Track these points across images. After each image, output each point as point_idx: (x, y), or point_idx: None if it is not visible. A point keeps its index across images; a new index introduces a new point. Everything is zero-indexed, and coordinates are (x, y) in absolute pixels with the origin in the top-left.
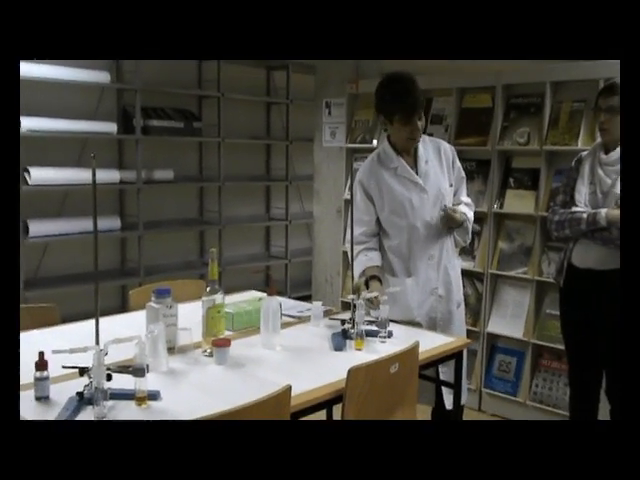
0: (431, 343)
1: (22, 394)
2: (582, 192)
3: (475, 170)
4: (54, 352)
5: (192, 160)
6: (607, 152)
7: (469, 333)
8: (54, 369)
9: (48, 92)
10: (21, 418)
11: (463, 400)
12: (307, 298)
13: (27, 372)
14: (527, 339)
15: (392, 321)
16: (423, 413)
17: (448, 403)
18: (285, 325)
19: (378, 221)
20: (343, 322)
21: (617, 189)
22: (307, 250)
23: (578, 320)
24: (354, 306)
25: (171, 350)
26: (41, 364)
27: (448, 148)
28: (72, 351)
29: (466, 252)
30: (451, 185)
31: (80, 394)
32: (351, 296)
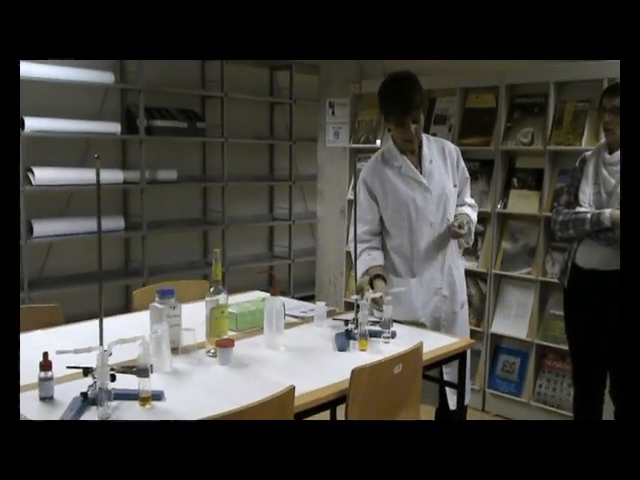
0: (435, 343)
1: (26, 394)
2: (586, 192)
3: (479, 170)
4: (58, 352)
5: (195, 160)
6: (611, 152)
7: (473, 333)
8: (58, 369)
9: (52, 92)
10: (25, 418)
11: (467, 400)
12: (310, 298)
13: (31, 372)
14: (531, 339)
15: (396, 321)
16: (427, 413)
17: (452, 403)
18: (289, 325)
19: (381, 220)
20: (347, 322)
21: None
22: (310, 250)
23: (582, 320)
24: (357, 306)
25: (175, 350)
26: (45, 364)
27: (453, 148)
28: (76, 351)
29: (470, 252)
30: (455, 185)
31: (84, 394)
32: (355, 296)
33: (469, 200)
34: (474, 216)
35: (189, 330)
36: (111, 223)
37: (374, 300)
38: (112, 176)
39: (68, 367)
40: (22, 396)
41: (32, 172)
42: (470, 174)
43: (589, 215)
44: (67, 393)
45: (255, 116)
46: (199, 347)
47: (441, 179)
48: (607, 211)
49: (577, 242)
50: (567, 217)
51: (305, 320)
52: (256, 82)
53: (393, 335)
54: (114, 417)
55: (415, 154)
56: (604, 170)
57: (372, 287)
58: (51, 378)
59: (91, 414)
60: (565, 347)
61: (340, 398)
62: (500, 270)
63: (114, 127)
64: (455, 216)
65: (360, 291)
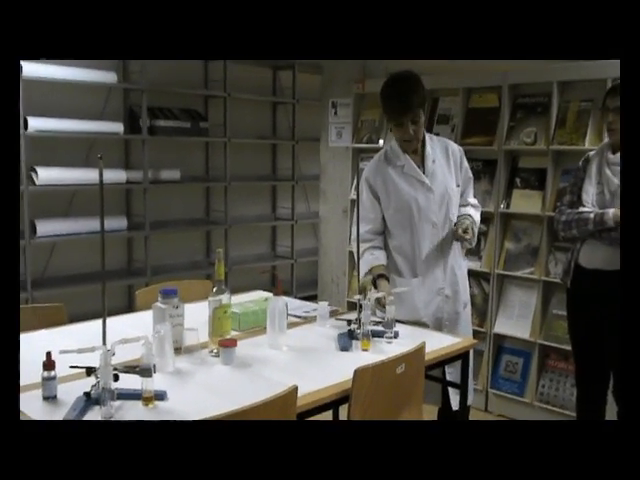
0: (437, 343)
1: (30, 394)
2: (589, 192)
3: (482, 170)
4: (61, 352)
5: (198, 160)
6: (614, 152)
7: (475, 333)
8: (61, 369)
9: (55, 92)
10: (28, 418)
11: (469, 400)
12: (313, 298)
13: (34, 372)
14: (534, 339)
15: (398, 321)
16: (429, 413)
17: (454, 403)
18: (291, 325)
19: (384, 219)
20: (349, 322)
21: None
22: (313, 250)
23: (585, 320)
24: (360, 306)
25: (178, 350)
26: (48, 364)
27: (456, 148)
28: (79, 351)
29: (472, 252)
30: (458, 185)
31: (87, 394)
32: (357, 296)
33: (472, 200)
34: (477, 217)
35: (192, 330)
36: (114, 223)
37: (377, 300)
38: (115, 176)
39: (71, 367)
40: (25, 395)
41: (35, 172)
42: (473, 174)
43: (592, 215)
44: (70, 393)
45: (258, 116)
46: (202, 347)
47: (444, 179)
48: (610, 211)
49: (580, 242)
50: (570, 217)
51: (308, 320)
52: (259, 82)
53: (396, 335)
54: (117, 417)
55: (418, 154)
56: (607, 170)
57: (375, 287)
58: (54, 378)
59: (94, 414)
60: (568, 347)
61: (343, 398)
62: (503, 270)
63: (117, 127)
64: (458, 218)
65: (363, 291)
